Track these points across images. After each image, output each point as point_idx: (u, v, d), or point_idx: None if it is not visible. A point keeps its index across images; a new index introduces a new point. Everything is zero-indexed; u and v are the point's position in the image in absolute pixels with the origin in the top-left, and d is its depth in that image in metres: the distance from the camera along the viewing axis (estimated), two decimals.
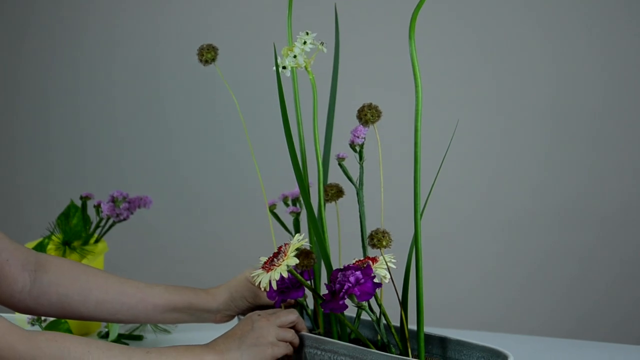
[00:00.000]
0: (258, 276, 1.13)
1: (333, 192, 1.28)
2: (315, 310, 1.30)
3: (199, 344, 1.13)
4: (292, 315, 1.19)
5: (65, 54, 2.65)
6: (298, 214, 1.35)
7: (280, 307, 1.27)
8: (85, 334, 1.54)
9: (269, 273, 1.11)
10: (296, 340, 1.19)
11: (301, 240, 1.13)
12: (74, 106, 2.66)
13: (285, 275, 1.10)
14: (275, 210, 1.36)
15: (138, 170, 2.60)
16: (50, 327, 1.43)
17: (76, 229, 1.56)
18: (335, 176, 1.28)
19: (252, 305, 1.32)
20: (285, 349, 1.17)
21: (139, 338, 1.52)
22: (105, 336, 1.52)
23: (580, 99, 2.28)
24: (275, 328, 1.17)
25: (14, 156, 2.72)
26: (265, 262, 1.14)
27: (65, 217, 1.57)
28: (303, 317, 1.31)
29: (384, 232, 1.12)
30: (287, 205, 1.38)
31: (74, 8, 2.64)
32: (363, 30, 2.37)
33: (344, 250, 1.31)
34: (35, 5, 2.67)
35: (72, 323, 1.48)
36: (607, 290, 2.29)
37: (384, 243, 1.12)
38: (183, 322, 1.32)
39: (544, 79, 2.30)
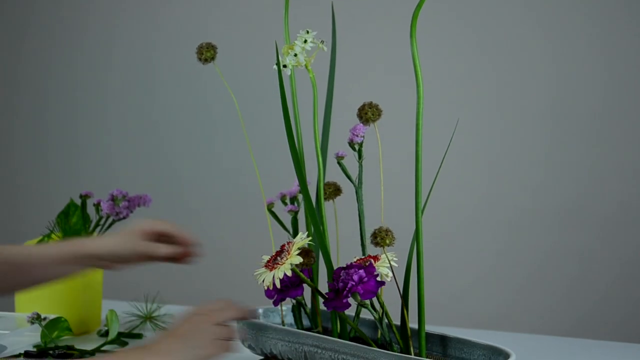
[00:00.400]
0: (261, 275, 1.13)
1: (331, 191, 1.28)
2: (313, 309, 1.30)
3: (140, 346, 1.12)
4: (231, 312, 1.17)
5: (65, 54, 2.65)
6: (296, 212, 1.35)
7: (280, 305, 1.27)
8: (84, 332, 1.54)
9: (273, 271, 1.11)
10: (234, 336, 1.17)
11: (304, 239, 1.13)
12: (74, 105, 2.66)
13: (289, 273, 1.10)
14: (273, 209, 1.36)
15: (137, 168, 2.60)
16: (50, 325, 1.43)
17: (76, 228, 1.56)
18: (333, 174, 1.28)
19: (141, 254, 1.30)
20: (227, 347, 1.15)
21: (139, 336, 1.52)
22: (105, 334, 1.52)
23: (581, 99, 2.28)
24: (216, 327, 1.15)
25: (13, 155, 2.72)
26: (268, 261, 1.14)
27: (65, 215, 1.57)
28: (301, 316, 1.31)
29: (387, 231, 1.12)
30: (285, 204, 1.38)
31: (74, 8, 2.64)
32: (362, 29, 2.37)
33: (341, 249, 1.31)
34: (35, 5, 2.67)
35: (71, 321, 1.48)
36: (607, 289, 2.29)
37: (387, 241, 1.12)
38: (80, 272, 1.32)
39: (544, 78, 2.30)
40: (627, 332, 2.25)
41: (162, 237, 1.32)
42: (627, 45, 2.25)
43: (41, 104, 2.69)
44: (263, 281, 1.12)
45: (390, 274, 1.12)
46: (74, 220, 1.57)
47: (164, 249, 1.31)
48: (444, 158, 1.23)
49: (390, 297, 1.19)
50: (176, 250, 1.32)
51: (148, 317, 1.58)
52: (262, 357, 1.30)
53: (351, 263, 1.13)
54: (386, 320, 1.16)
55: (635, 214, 2.27)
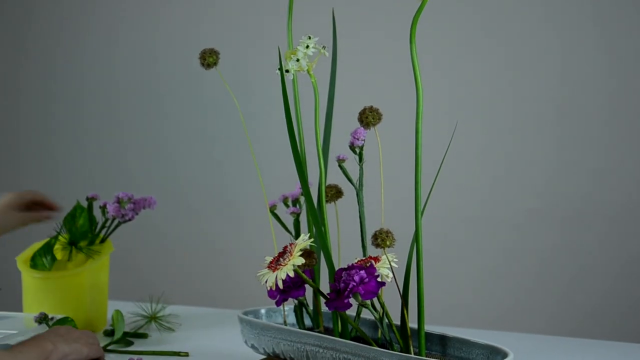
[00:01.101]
0: (264, 275, 1.15)
1: (332, 193, 1.30)
2: (315, 309, 1.32)
3: (26, 341, 1.21)
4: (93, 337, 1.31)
5: (69, 56, 2.67)
6: (298, 214, 1.38)
7: (282, 305, 1.28)
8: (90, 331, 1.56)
9: (275, 272, 1.13)
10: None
11: (306, 240, 1.15)
12: (79, 109, 2.68)
13: (292, 274, 1.12)
14: (275, 211, 1.38)
15: (141, 172, 2.62)
16: (57, 324, 1.45)
17: (82, 229, 1.58)
18: (334, 177, 1.30)
19: (26, 224, 1.55)
20: (101, 352, 1.30)
21: (144, 336, 1.54)
22: (110, 334, 1.54)
23: (584, 99, 2.28)
24: (88, 336, 1.30)
25: (20, 158, 2.74)
26: (270, 262, 1.16)
27: (71, 217, 1.59)
28: (303, 316, 1.33)
29: (387, 232, 1.14)
30: (287, 206, 1.40)
31: (76, 8, 2.66)
32: (362, 35, 2.38)
33: (342, 250, 1.33)
34: (36, 5, 2.69)
35: (78, 321, 1.50)
36: (611, 289, 2.29)
37: (388, 243, 1.14)
38: None
39: (546, 79, 2.30)
40: (629, 331, 2.25)
41: (29, 204, 1.56)
42: (633, 46, 2.25)
43: (45, 106, 2.71)
44: (266, 282, 1.14)
45: (391, 275, 1.14)
46: (81, 222, 1.59)
47: (45, 215, 1.57)
48: (442, 160, 1.25)
49: (390, 298, 1.21)
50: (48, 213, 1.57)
51: (153, 317, 1.60)
52: (264, 357, 1.32)
53: (352, 264, 1.15)
54: (386, 320, 1.18)
55: (638, 215, 2.27)
